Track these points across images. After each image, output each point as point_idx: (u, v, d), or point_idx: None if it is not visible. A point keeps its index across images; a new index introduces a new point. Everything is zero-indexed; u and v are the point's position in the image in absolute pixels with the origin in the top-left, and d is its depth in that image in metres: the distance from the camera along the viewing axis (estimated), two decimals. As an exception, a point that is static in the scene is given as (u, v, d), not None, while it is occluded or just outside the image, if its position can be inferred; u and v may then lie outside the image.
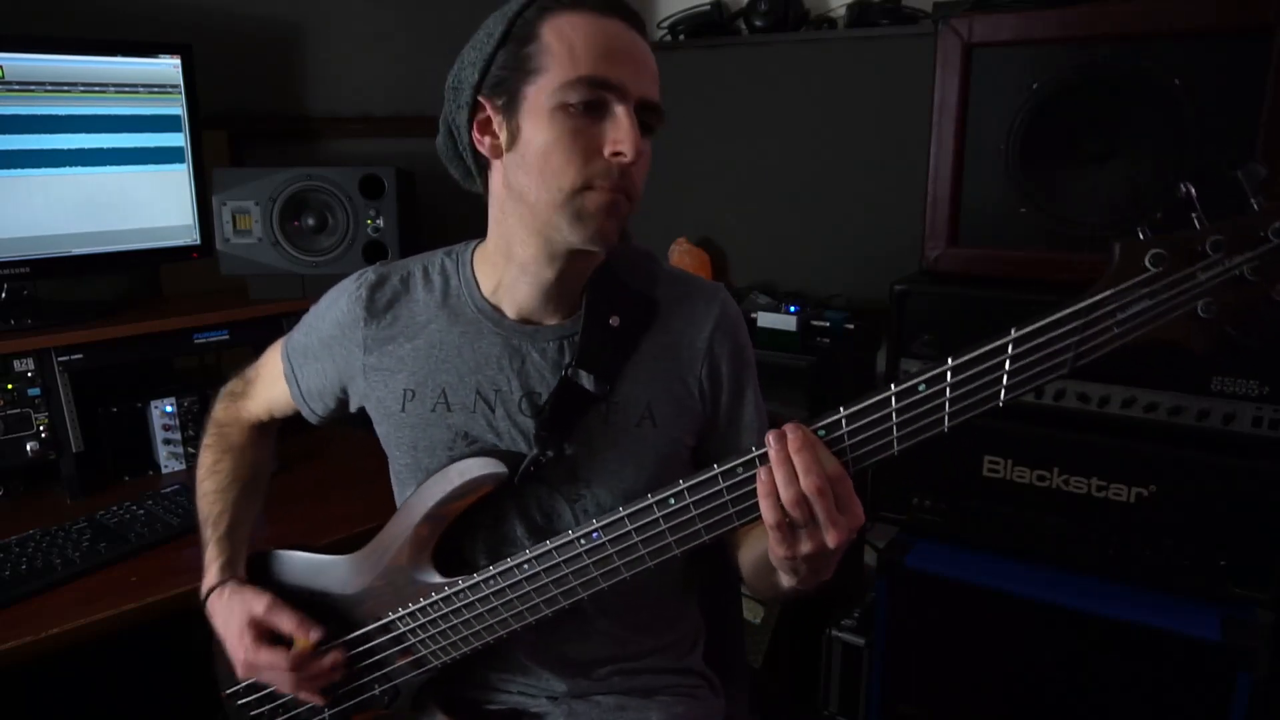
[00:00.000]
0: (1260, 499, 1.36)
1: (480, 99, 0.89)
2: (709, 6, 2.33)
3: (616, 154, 0.85)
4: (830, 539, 0.76)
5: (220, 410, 1.17)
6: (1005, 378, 0.71)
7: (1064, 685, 1.51)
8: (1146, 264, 0.69)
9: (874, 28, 2.10)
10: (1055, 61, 1.46)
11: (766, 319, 2.06)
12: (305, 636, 0.98)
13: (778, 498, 0.76)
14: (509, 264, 0.96)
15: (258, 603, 0.99)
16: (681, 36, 2.39)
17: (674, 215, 2.46)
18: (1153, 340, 0.70)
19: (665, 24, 2.40)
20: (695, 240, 2.44)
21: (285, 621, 0.98)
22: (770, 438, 0.77)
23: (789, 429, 0.77)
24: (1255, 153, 1.33)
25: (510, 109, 0.88)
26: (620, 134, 0.85)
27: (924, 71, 1.58)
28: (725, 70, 2.34)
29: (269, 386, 1.14)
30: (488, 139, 0.91)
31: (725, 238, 2.47)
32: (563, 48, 0.85)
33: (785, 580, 0.84)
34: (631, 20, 0.89)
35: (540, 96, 0.86)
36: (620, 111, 0.86)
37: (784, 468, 0.76)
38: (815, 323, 2.05)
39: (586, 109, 0.85)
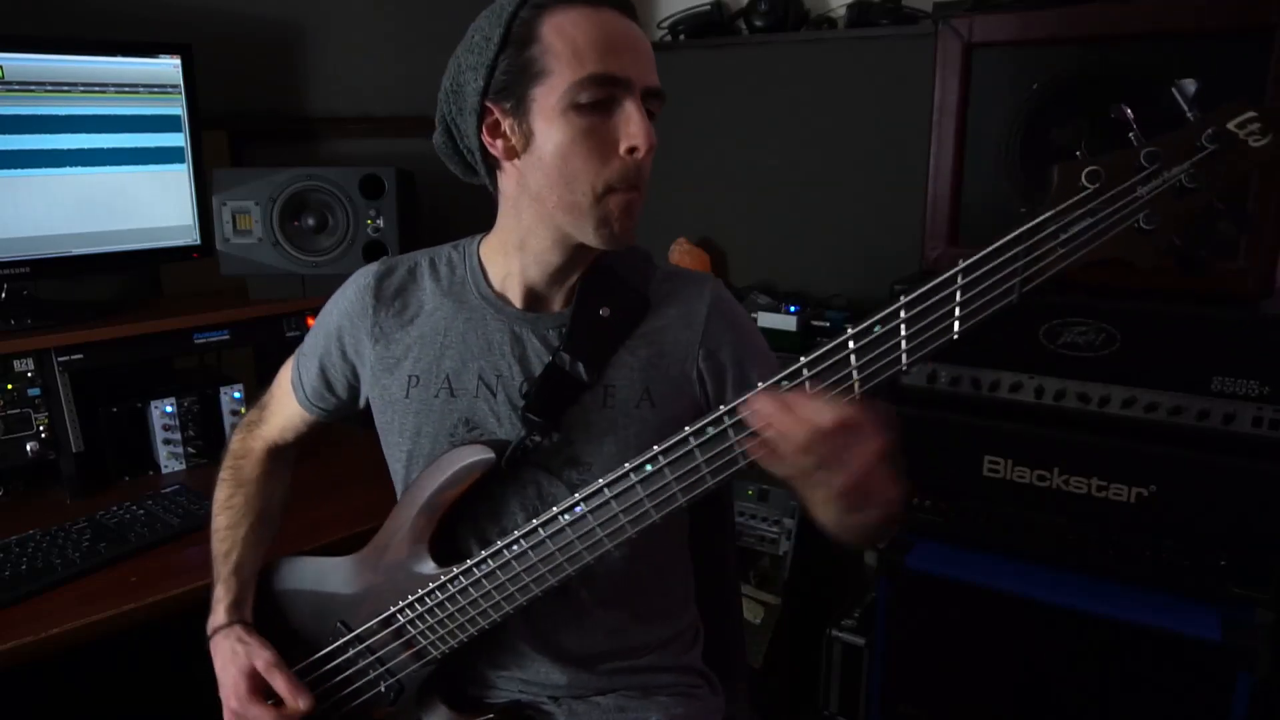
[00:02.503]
0: (1260, 499, 1.36)
1: (487, 104, 0.90)
2: (709, 6, 2.33)
3: (632, 149, 0.87)
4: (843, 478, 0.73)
5: (236, 442, 1.18)
6: (957, 309, 0.72)
7: (1064, 685, 1.51)
8: (1084, 183, 0.70)
9: (874, 28, 2.10)
10: (1055, 61, 1.46)
11: (766, 319, 2.06)
12: (296, 702, 1.00)
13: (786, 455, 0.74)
14: (521, 254, 0.97)
15: (259, 657, 1.02)
16: (681, 36, 2.38)
17: (674, 215, 2.46)
18: (1099, 259, 0.71)
19: (665, 24, 2.40)
20: (695, 240, 2.43)
21: (280, 683, 1.01)
22: (751, 407, 0.76)
23: (751, 401, 0.76)
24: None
25: (520, 112, 0.89)
26: (634, 129, 0.87)
27: (924, 71, 1.58)
28: (725, 70, 2.34)
29: (282, 405, 1.15)
30: (499, 142, 0.91)
31: (725, 238, 2.46)
32: (566, 47, 0.86)
33: (851, 517, 0.81)
34: (624, 7, 0.90)
35: (550, 98, 0.87)
36: (630, 105, 0.87)
37: (771, 430, 0.74)
38: (815, 323, 2.05)
39: (596, 106, 0.86)
